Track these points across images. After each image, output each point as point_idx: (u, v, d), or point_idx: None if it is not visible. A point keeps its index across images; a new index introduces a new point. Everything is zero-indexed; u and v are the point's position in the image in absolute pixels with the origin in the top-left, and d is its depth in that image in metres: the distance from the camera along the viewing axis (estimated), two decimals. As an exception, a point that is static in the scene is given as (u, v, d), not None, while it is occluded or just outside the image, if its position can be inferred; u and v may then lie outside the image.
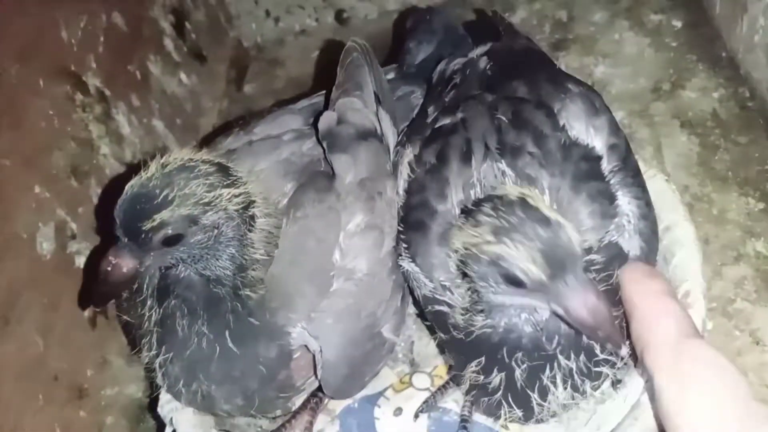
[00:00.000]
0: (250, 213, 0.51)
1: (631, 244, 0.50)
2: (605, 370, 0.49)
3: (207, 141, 0.94)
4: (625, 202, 0.51)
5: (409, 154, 0.59)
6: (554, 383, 0.49)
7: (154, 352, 0.54)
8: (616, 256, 0.49)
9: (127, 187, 0.48)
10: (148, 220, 0.46)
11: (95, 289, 0.50)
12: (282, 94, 1.11)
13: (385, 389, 0.63)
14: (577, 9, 1.04)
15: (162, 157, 0.49)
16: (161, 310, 0.54)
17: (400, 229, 0.57)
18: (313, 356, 0.54)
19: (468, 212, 0.46)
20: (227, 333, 0.53)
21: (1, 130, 0.63)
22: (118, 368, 0.71)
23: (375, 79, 0.63)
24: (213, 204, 0.48)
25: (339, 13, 1.20)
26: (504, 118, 0.54)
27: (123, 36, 0.87)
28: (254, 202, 0.52)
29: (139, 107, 0.86)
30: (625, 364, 0.49)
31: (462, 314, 0.51)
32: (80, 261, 0.69)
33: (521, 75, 0.59)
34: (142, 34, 0.92)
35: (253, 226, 0.52)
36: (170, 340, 0.54)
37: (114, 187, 0.72)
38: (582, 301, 0.42)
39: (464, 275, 0.48)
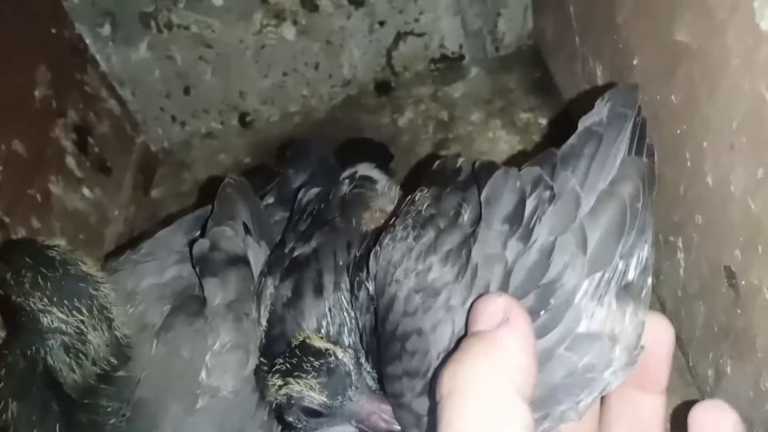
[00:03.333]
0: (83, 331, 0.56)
1: None
2: None
3: (113, 252, 0.98)
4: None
5: (270, 285, 0.65)
6: None
7: None
8: None
9: None
10: None
11: None
12: (188, 197, 1.16)
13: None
14: (458, 109, 1.15)
15: None
16: None
17: (262, 360, 0.62)
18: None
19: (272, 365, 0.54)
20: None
21: None
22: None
23: (250, 210, 0.70)
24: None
25: (243, 116, 1.27)
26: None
27: (23, 161, 0.91)
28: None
29: (40, 228, 0.89)
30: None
31: None
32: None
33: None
34: (44, 156, 0.96)
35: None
36: None
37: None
38: (368, 410, 0.48)
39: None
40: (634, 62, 0.73)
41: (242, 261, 0.66)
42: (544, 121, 1.08)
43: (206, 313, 0.61)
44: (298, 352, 0.51)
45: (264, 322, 0.63)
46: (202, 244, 0.65)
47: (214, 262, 0.64)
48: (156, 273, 0.66)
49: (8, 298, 0.57)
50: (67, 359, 0.57)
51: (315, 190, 0.71)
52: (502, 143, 1.06)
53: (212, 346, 0.59)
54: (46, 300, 0.56)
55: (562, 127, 1.06)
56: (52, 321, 0.56)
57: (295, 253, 0.65)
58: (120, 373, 0.59)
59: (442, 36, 1.21)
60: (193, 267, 0.65)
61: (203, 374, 0.58)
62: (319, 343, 0.52)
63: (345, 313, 0.58)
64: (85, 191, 1.02)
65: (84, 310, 0.57)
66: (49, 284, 0.56)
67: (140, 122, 1.25)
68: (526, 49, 1.21)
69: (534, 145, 1.04)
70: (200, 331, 0.60)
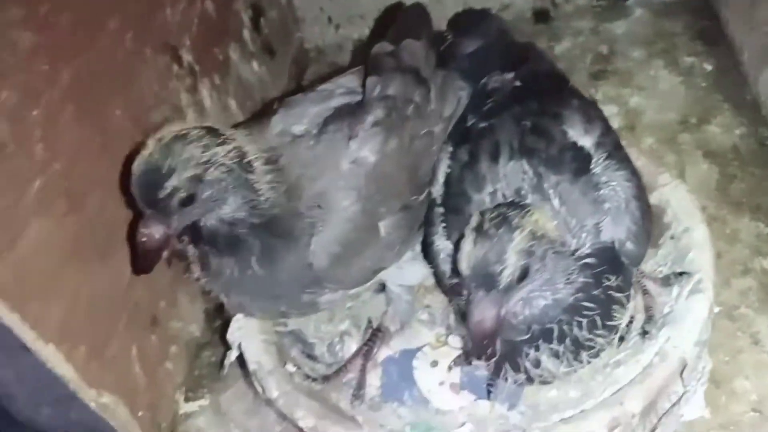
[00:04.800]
0: (246, 161, 0.58)
1: (618, 229, 0.59)
2: (600, 342, 0.57)
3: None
4: (614, 185, 0.60)
5: (448, 151, 0.68)
6: (541, 359, 0.57)
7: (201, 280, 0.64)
8: (607, 252, 0.58)
9: (134, 167, 0.55)
10: (161, 190, 0.54)
11: (138, 258, 0.57)
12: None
13: (423, 346, 0.72)
14: (618, 45, 1.14)
15: (162, 130, 0.57)
16: (197, 251, 0.62)
17: (441, 211, 0.66)
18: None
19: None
20: (252, 258, 0.60)
21: (117, 88, 0.73)
22: (184, 307, 0.80)
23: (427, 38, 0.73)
24: (211, 162, 0.56)
25: (396, 26, 1.30)
26: (527, 124, 0.64)
27: (212, 22, 0.97)
28: (247, 152, 0.59)
29: (219, 85, 0.96)
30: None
31: None
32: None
33: (542, 93, 0.69)
34: (227, 23, 1.03)
35: (252, 171, 0.59)
36: (209, 273, 0.62)
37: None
38: (473, 318, 0.50)
39: None
40: None
41: (411, 71, 0.69)
42: (709, 67, 1.06)
43: (363, 102, 0.65)
44: (497, 226, 0.51)
45: (441, 182, 0.66)
46: (383, 46, 0.69)
47: (384, 63, 0.68)
48: (325, 100, 0.69)
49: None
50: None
51: (499, 78, 0.72)
52: (663, 82, 1.05)
53: (364, 120, 0.64)
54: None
55: (729, 74, 1.03)
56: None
57: (475, 127, 0.68)
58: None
59: (614, -30, 1.19)
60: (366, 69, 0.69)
61: (352, 144, 0.63)
62: (515, 242, 0.50)
63: (521, 182, 0.61)
64: (255, 65, 1.08)
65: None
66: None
67: (300, 18, 1.31)
68: (694, -1, 1.17)
69: (699, 88, 1.02)
70: (354, 114, 0.65)
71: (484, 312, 0.50)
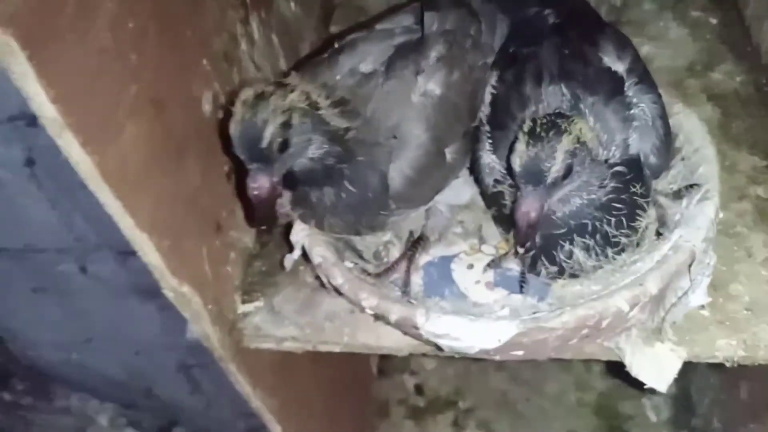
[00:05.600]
0: (316, 102, 0.67)
1: (645, 144, 0.69)
2: (624, 240, 0.67)
3: (301, 62, 1.11)
4: (642, 106, 0.70)
5: (494, 75, 0.77)
6: (573, 251, 0.67)
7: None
8: (634, 163, 0.68)
9: (232, 132, 0.64)
10: (261, 140, 0.62)
11: (255, 211, 0.66)
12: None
13: (459, 253, 0.82)
14: (630, -1, 1.22)
15: (241, 94, 0.65)
16: (292, 193, 0.73)
17: (487, 129, 0.75)
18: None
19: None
20: (344, 181, 0.70)
21: (188, 12, 0.79)
22: (241, 219, 0.89)
23: None
24: (291, 107, 0.64)
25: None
26: (566, 51, 0.72)
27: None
28: (317, 94, 0.68)
29: (265, 20, 1.02)
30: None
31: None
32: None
33: (579, 24, 0.78)
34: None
35: (320, 109, 0.67)
36: (305, 206, 0.73)
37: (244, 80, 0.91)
38: (521, 208, 0.60)
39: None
40: None
41: (464, 6, 0.78)
42: (715, 21, 1.14)
43: (423, 39, 0.73)
44: (547, 129, 0.60)
45: (488, 102, 0.75)
46: None
47: (439, 0, 0.76)
48: (387, 39, 0.77)
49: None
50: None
51: (540, 10, 0.80)
52: (672, 33, 1.13)
53: (427, 55, 0.72)
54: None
55: (733, 28, 1.12)
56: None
57: (518, 53, 0.76)
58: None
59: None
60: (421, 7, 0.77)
61: (419, 78, 0.72)
62: (562, 144, 0.59)
63: (560, 102, 0.69)
64: (292, 4, 1.15)
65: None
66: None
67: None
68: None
69: (705, 40, 1.11)
70: (417, 50, 0.73)
71: (531, 204, 0.59)
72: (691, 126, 0.76)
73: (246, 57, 0.94)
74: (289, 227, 0.79)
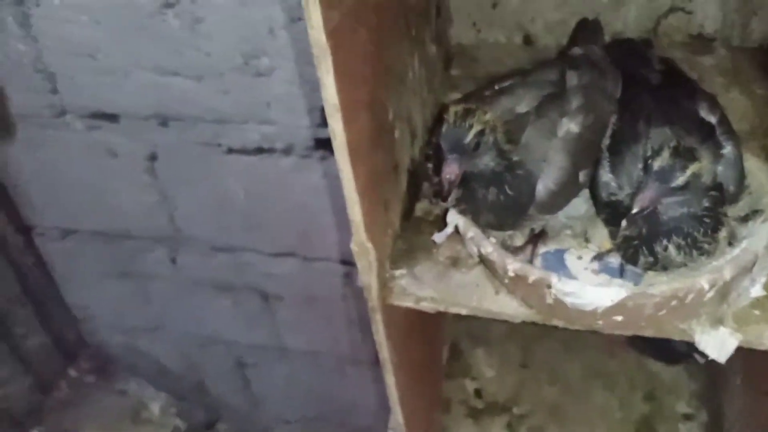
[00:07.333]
0: (494, 126, 0.94)
1: (727, 175, 0.94)
2: (706, 247, 0.91)
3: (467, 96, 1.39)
4: (728, 148, 0.96)
5: (614, 116, 1.05)
6: (669, 246, 0.91)
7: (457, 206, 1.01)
8: (719, 190, 0.93)
9: (444, 128, 0.92)
10: (466, 137, 0.89)
11: (444, 192, 0.94)
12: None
13: (570, 248, 1.07)
14: (705, 74, 1.48)
15: (451, 107, 0.93)
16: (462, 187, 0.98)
17: (606, 155, 1.01)
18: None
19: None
20: (506, 186, 0.96)
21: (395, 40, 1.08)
22: (394, 204, 1.14)
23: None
24: (485, 123, 0.92)
25: (526, 37, 1.65)
26: (670, 103, 0.99)
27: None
28: (493, 121, 0.94)
29: (421, 57, 1.30)
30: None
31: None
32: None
33: (680, 84, 1.07)
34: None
35: (497, 131, 0.94)
36: (469, 199, 0.99)
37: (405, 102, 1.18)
38: (640, 197, 0.85)
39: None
40: None
41: (597, 67, 1.07)
42: (774, 97, 1.40)
43: (567, 89, 1.02)
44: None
45: (608, 134, 1.02)
46: (575, 50, 1.07)
47: (579, 61, 1.05)
48: (534, 89, 1.05)
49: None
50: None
51: (648, 71, 1.08)
52: (737, 104, 1.39)
53: (569, 103, 0.99)
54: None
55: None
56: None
57: (633, 100, 1.03)
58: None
59: (705, 18, 1.54)
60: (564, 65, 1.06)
61: (563, 120, 0.99)
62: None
63: (662, 142, 0.95)
64: (433, 47, 1.43)
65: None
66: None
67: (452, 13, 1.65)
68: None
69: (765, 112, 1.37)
70: (560, 97, 1.00)
71: (645, 200, 0.85)
72: (755, 169, 1.01)
73: (409, 83, 1.22)
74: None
